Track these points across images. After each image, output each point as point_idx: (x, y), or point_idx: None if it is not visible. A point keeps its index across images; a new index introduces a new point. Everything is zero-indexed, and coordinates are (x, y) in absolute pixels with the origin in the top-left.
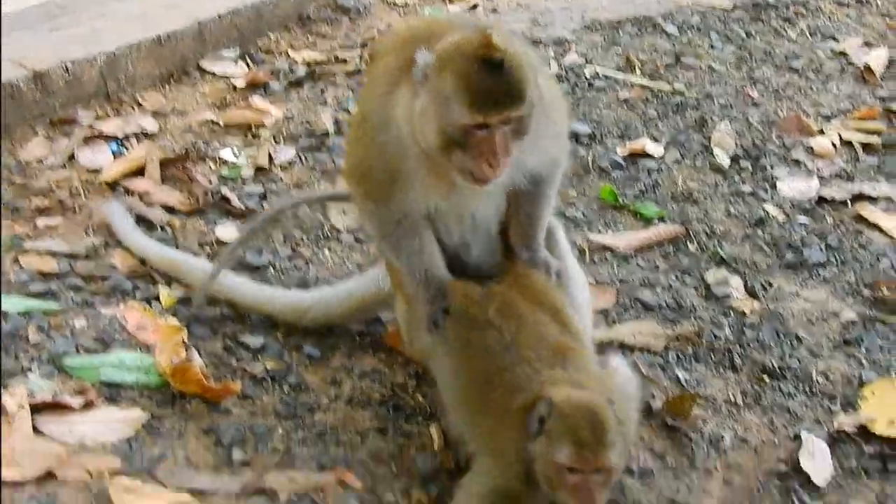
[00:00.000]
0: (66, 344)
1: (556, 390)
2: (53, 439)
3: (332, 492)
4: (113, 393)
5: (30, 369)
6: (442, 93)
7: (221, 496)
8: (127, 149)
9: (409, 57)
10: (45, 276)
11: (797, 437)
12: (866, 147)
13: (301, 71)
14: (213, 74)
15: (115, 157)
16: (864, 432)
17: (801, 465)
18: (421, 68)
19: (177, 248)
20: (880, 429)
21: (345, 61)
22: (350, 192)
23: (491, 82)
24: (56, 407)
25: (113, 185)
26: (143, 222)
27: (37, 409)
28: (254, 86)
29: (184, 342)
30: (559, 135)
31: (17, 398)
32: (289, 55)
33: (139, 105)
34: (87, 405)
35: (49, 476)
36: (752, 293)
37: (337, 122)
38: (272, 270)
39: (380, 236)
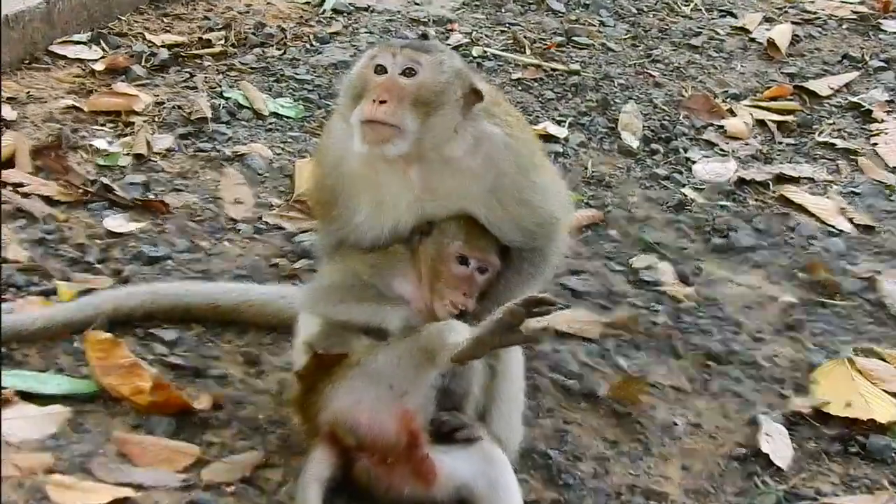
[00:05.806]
0: None
1: None
2: None
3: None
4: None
5: None
6: None
7: (163, 490)
8: None
9: None
10: None
11: (753, 422)
12: (781, 126)
13: (164, 54)
14: (66, 58)
15: None
16: (821, 415)
17: (761, 448)
18: None
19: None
20: (836, 410)
21: (209, 43)
22: None
23: None
24: None
25: None
26: (24, 215)
27: None
28: (114, 70)
29: (134, 361)
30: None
31: None
32: (146, 38)
33: None
34: (4, 402)
35: None
36: (683, 279)
37: (214, 108)
38: (171, 263)
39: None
